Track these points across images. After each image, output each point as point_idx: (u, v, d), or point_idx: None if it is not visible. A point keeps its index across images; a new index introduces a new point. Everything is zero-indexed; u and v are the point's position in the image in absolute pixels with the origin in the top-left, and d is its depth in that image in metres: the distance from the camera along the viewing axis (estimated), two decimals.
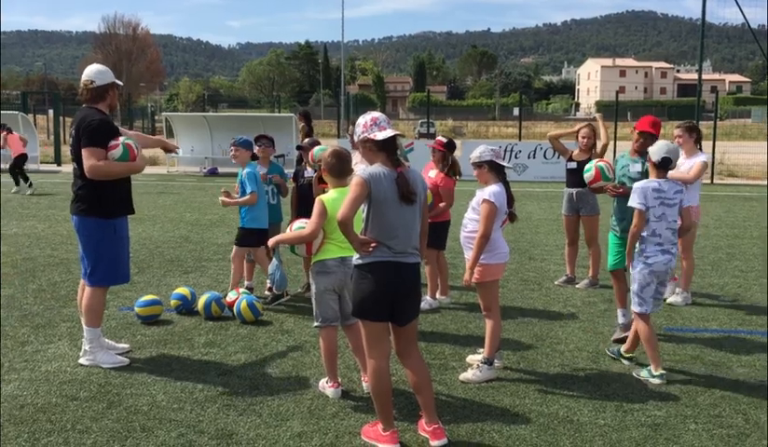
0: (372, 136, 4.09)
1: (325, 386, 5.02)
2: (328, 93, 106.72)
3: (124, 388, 5.02)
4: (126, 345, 5.88)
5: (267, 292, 7.50)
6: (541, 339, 6.28)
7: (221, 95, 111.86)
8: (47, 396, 4.86)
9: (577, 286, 8.22)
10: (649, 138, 6.17)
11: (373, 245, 4.01)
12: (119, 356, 5.60)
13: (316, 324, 4.98)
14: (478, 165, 5.31)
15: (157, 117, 59.36)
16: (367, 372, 4.28)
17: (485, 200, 5.15)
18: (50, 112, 35.62)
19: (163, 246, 10.60)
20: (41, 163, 26.24)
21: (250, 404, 4.78)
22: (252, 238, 7.22)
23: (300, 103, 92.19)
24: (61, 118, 31.81)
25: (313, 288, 4.93)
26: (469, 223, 5.36)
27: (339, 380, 5.04)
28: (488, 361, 5.28)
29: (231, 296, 6.93)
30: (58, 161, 27.36)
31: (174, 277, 8.48)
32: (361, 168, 4.25)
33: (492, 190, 5.19)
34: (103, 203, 5.35)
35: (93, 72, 5.46)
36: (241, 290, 7.07)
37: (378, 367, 4.13)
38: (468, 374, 5.27)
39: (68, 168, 26.29)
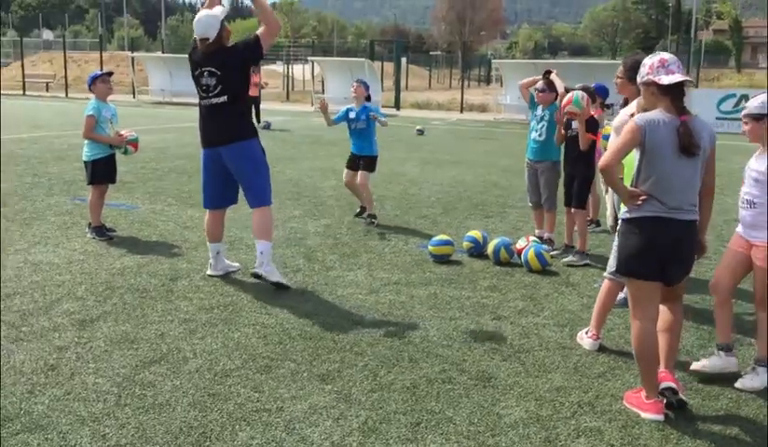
0: (657, 79, 3.74)
1: (584, 336, 4.88)
2: (676, 40, 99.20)
3: (402, 319, 5.30)
4: (237, 264, 6.44)
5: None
6: None
7: (561, 43, 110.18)
8: (335, 317, 5.33)
9: None
10: None
11: (643, 198, 3.69)
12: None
13: (607, 274, 4.83)
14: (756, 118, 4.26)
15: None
16: (631, 334, 3.99)
17: None
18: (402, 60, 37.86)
19: (471, 190, 10.87)
20: (382, 107, 28.31)
21: (516, 351, 4.75)
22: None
23: (644, 51, 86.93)
24: (402, 66, 33.88)
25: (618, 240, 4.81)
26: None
27: (601, 334, 4.86)
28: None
29: (521, 243, 6.90)
30: (397, 106, 29.34)
31: (475, 221, 8.66)
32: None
33: None
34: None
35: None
36: (531, 238, 7.00)
37: (643, 329, 3.83)
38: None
39: (405, 112, 28.22)
